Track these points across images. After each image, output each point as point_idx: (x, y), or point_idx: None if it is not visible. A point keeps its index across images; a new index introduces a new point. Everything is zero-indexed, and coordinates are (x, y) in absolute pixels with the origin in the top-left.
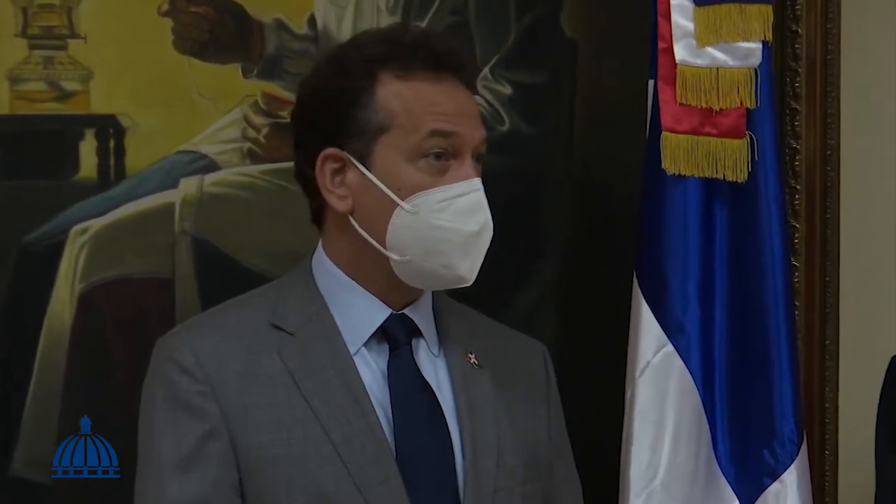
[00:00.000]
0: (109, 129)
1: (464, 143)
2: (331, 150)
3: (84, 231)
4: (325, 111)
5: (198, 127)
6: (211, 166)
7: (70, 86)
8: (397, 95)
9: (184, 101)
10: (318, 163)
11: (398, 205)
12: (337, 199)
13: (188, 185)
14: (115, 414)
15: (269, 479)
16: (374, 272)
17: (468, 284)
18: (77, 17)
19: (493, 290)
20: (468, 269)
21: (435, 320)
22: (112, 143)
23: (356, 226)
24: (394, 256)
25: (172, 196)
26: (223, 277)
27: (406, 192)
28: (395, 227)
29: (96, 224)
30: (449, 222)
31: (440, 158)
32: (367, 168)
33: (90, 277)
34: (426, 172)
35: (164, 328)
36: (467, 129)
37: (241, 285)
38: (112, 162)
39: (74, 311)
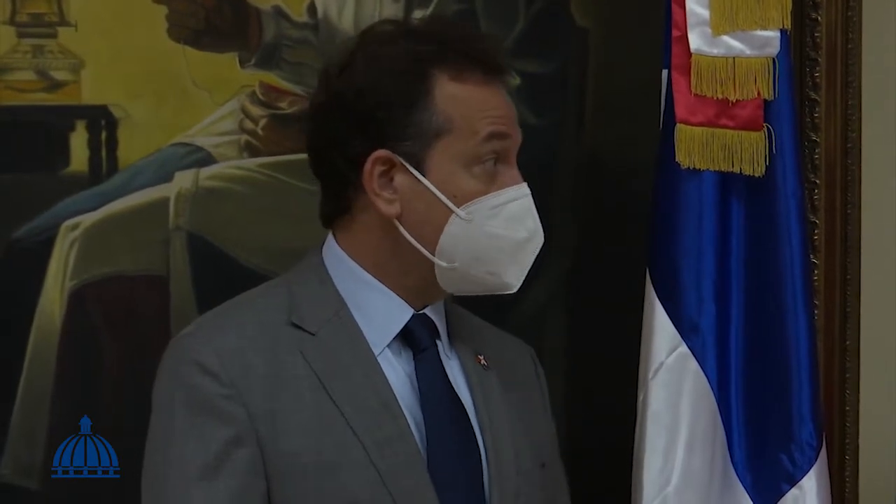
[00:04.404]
0: (101, 121)
1: (512, 147)
2: (382, 153)
3: (75, 227)
4: (376, 112)
5: (193, 118)
6: (207, 160)
7: (60, 75)
8: (454, 98)
9: (178, 91)
10: (368, 165)
11: (453, 212)
12: (385, 203)
13: (183, 179)
14: (106, 417)
15: (300, 489)
16: (409, 275)
17: (512, 291)
18: (67, 4)
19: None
20: (515, 276)
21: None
22: (104, 136)
23: (403, 230)
24: (441, 263)
25: (167, 190)
26: (219, 275)
27: (461, 199)
28: (449, 234)
29: (87, 219)
30: (501, 229)
31: (494, 164)
32: (421, 173)
33: (81, 275)
34: (480, 179)
35: (159, 328)
36: (515, 132)
37: (239, 283)
38: (104, 155)
39: (65, 311)
